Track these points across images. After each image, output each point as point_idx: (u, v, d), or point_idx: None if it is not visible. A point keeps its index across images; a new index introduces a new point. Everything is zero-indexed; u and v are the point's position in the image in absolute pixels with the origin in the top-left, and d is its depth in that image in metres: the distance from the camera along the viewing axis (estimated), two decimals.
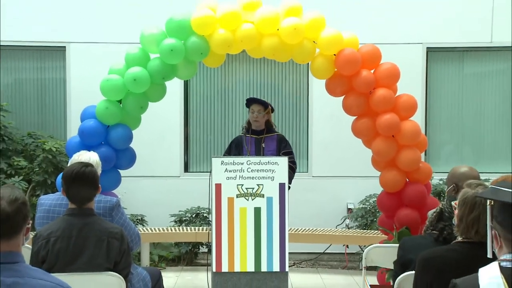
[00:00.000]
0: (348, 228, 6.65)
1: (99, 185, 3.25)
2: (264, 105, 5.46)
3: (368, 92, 4.84)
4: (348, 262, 6.64)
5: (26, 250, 2.91)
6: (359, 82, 4.78)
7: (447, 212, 3.10)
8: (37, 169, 6.24)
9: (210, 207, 4.70)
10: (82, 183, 3.14)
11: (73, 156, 3.71)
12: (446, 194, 3.73)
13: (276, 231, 4.64)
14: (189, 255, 6.59)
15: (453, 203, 2.87)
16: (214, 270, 4.61)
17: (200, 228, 6.28)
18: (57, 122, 7.11)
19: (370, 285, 4.05)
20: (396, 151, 4.87)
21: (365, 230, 6.36)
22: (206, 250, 6.52)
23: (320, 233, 6.22)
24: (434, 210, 3.22)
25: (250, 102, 5.54)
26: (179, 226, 6.54)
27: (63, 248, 3.07)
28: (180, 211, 6.66)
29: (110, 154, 4.81)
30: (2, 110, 6.56)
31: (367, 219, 6.49)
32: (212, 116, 7.13)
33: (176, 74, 4.88)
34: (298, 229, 6.29)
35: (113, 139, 4.84)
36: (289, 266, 4.78)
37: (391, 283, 3.29)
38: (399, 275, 3.13)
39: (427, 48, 6.94)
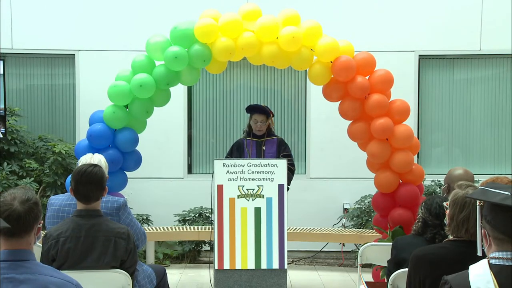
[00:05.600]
0: (344, 227, 6.68)
1: (106, 186, 3.28)
2: (267, 114, 5.46)
3: (363, 97, 4.87)
4: (344, 259, 6.66)
5: (37, 248, 2.91)
6: (355, 88, 4.81)
7: (430, 220, 3.17)
8: (48, 171, 6.27)
9: (212, 207, 4.74)
10: (90, 181, 3.17)
11: (80, 159, 3.77)
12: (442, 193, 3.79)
13: (276, 230, 4.71)
14: (192, 253, 6.63)
15: (444, 203, 2.91)
16: (216, 267, 4.68)
17: (203, 227, 6.30)
18: (67, 126, 7.14)
19: (365, 282, 4.07)
20: (390, 153, 4.92)
21: (360, 229, 6.38)
22: (208, 248, 6.56)
23: (317, 232, 6.25)
24: (417, 219, 3.29)
25: (252, 110, 5.52)
26: (182, 225, 6.56)
27: (72, 248, 3.11)
28: (183, 211, 6.69)
29: (117, 156, 4.84)
30: (15, 115, 6.63)
31: (362, 219, 6.51)
32: (214, 119, 7.15)
33: (180, 80, 4.89)
34: (296, 228, 6.32)
35: (120, 142, 4.87)
36: (287, 264, 4.84)
37: (385, 280, 3.33)
38: (393, 273, 3.19)
39: (419, 55, 6.96)
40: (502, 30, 6.77)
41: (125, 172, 5.07)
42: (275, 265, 4.70)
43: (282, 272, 4.72)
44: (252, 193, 4.73)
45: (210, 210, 6.53)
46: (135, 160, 5.08)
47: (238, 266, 4.69)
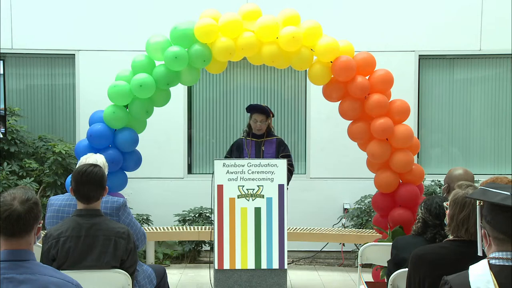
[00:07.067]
0: (344, 227, 6.68)
1: (106, 186, 3.29)
2: (266, 114, 5.48)
3: (363, 97, 4.87)
4: (344, 259, 6.68)
5: (37, 248, 2.94)
6: (355, 88, 4.81)
7: (430, 220, 3.19)
8: (48, 171, 6.28)
9: (212, 207, 4.74)
10: (90, 181, 3.18)
11: (80, 159, 3.77)
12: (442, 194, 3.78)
13: (276, 230, 4.70)
14: (192, 253, 6.63)
15: (444, 203, 2.93)
16: (216, 267, 4.68)
17: (203, 227, 6.31)
18: (67, 126, 7.15)
19: (365, 282, 4.08)
20: (390, 153, 4.91)
21: (360, 229, 6.39)
22: (208, 248, 6.58)
23: (317, 232, 6.25)
24: (417, 219, 3.30)
25: (252, 110, 5.54)
26: (182, 225, 6.57)
27: (72, 247, 3.12)
28: (183, 211, 6.70)
29: (117, 156, 4.84)
30: (15, 115, 6.64)
31: (362, 219, 6.52)
32: (214, 119, 7.16)
33: (180, 80, 4.89)
34: (296, 228, 6.33)
35: (120, 142, 4.87)
36: (287, 264, 4.85)
37: (385, 280, 3.35)
38: (393, 273, 3.20)
39: (419, 55, 6.97)
40: (502, 30, 6.79)
41: (125, 172, 5.06)
42: (275, 265, 4.70)
43: (282, 272, 4.72)
44: (252, 193, 4.73)
45: (210, 210, 6.54)
46: (135, 160, 5.08)
47: (238, 266, 4.69)
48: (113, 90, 4.81)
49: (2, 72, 6.40)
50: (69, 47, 6.94)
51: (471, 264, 2.06)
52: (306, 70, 5.23)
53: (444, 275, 2.13)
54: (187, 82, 5.06)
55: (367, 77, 4.93)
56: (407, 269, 2.80)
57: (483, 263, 2.02)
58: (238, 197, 4.73)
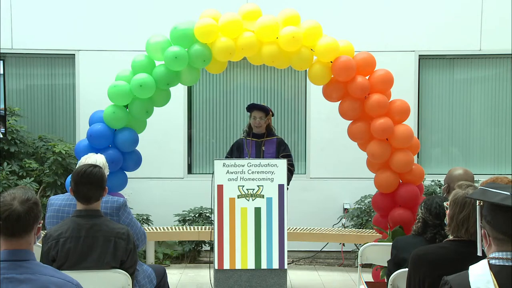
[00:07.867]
0: (344, 227, 6.68)
1: (106, 186, 3.28)
2: (265, 111, 5.49)
3: (363, 97, 4.87)
4: (344, 259, 6.68)
5: (37, 248, 2.93)
6: (355, 88, 4.81)
7: (430, 220, 3.19)
8: (48, 170, 6.28)
9: (212, 207, 4.75)
10: (90, 182, 3.18)
11: (81, 159, 3.77)
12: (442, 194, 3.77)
13: (276, 230, 4.70)
14: (192, 253, 6.63)
15: (445, 203, 2.93)
16: (216, 267, 4.68)
17: (203, 227, 6.31)
18: (67, 126, 7.15)
19: (365, 282, 4.08)
20: (390, 153, 4.91)
21: (360, 229, 6.39)
22: (208, 248, 6.59)
23: (317, 232, 6.25)
24: (417, 219, 3.30)
25: (251, 108, 5.55)
26: (182, 225, 6.58)
27: (72, 248, 3.12)
28: (183, 211, 6.71)
29: (117, 156, 4.84)
30: (15, 115, 6.64)
31: (362, 219, 6.52)
32: (214, 119, 7.17)
33: (180, 80, 4.90)
34: (296, 228, 6.33)
35: (120, 142, 4.88)
36: (288, 264, 4.85)
37: (385, 280, 3.36)
38: (393, 273, 3.21)
39: (420, 55, 6.98)
40: (502, 30, 6.80)
41: (125, 172, 5.06)
42: (275, 265, 4.71)
43: (282, 272, 4.72)
44: (252, 193, 4.74)
45: (210, 210, 6.54)
46: (135, 160, 5.08)
47: (238, 266, 4.69)
48: (113, 90, 4.81)
49: (2, 72, 6.40)
50: (69, 47, 6.95)
51: (471, 264, 2.06)
52: (306, 70, 5.23)
53: (444, 275, 2.13)
54: (187, 82, 5.06)
55: (367, 77, 4.93)
56: (407, 269, 2.81)
57: (483, 263, 2.02)
58: (238, 197, 4.73)
